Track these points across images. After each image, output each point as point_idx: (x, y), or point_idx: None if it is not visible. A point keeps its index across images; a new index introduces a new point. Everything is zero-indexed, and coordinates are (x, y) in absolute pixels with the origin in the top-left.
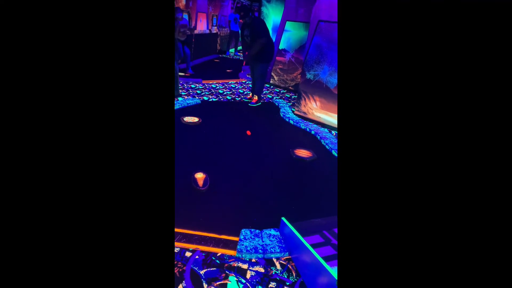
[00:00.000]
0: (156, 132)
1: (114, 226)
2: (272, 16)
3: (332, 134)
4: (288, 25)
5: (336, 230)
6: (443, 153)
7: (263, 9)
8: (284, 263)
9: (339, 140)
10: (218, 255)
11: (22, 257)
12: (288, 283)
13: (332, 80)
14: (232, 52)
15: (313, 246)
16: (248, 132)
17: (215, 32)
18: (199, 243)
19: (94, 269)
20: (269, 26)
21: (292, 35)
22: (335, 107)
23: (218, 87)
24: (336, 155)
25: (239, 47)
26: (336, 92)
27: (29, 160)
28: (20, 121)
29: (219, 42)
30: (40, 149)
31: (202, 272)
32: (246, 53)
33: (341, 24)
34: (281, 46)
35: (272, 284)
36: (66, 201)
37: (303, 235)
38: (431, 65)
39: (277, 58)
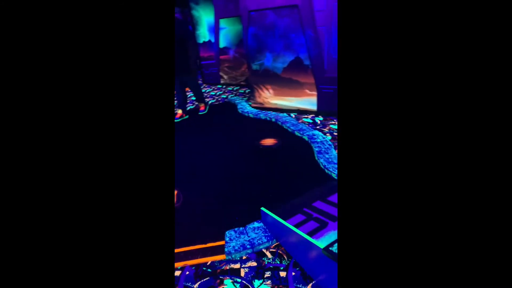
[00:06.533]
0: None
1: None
2: (204, 17)
3: (292, 117)
4: (222, 22)
5: (315, 204)
6: (441, 152)
7: (194, 12)
8: (274, 250)
9: (339, 140)
10: (208, 263)
11: (25, 263)
12: (282, 268)
13: (277, 65)
14: None
15: (296, 225)
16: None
17: None
18: (186, 259)
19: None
20: (204, 27)
21: (229, 31)
22: (288, 91)
23: None
24: (299, 135)
25: None
26: (285, 76)
27: (31, 166)
28: (21, 125)
29: None
30: (42, 150)
31: (196, 286)
32: None
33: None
34: (221, 45)
35: (268, 274)
36: (62, 203)
37: (285, 219)
38: (431, 66)
39: (221, 57)
